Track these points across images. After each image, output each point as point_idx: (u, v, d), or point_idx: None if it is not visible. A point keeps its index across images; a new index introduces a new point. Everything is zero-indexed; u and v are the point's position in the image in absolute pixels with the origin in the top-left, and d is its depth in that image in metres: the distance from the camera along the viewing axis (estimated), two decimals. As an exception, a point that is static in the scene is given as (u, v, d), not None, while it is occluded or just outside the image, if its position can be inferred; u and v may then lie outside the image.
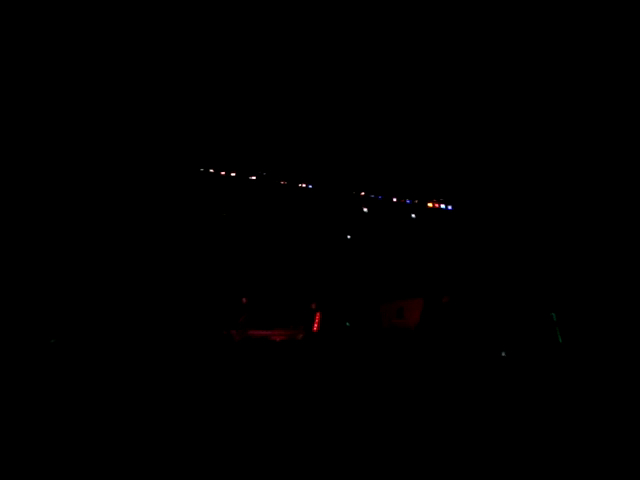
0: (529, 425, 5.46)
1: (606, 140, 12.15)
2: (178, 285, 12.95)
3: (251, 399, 5.77)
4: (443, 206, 16.43)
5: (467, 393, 6.55)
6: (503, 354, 11.38)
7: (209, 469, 4.31)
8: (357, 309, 14.80)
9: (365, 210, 16.27)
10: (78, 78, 9.82)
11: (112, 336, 9.49)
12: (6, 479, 3.80)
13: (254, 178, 14.93)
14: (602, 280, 12.49)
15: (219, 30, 10.27)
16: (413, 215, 16.44)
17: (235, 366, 7.44)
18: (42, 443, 4.34)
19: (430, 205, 16.48)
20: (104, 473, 4.12)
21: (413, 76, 12.19)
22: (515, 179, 14.47)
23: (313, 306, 14.93)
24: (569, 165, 13.19)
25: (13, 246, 9.45)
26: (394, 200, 16.43)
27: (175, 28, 9.67)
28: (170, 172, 12.91)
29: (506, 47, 11.06)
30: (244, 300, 14.81)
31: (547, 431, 5.25)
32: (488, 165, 14.59)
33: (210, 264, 14.51)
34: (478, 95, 12.44)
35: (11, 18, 8.19)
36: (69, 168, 10.58)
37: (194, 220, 14.63)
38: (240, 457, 4.43)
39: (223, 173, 14.90)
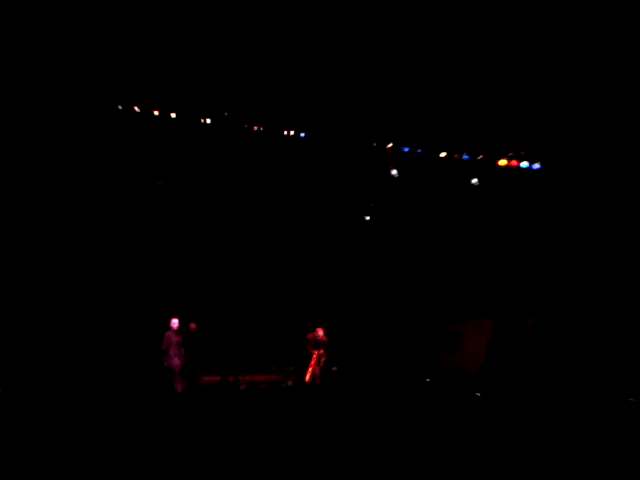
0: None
1: None
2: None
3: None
4: (525, 164, 12.97)
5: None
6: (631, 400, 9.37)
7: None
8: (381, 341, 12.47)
9: (394, 173, 12.82)
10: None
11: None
12: None
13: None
14: None
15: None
16: (474, 180, 13.03)
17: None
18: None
19: (503, 163, 12.96)
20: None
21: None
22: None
23: (310, 336, 12.59)
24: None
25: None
26: (441, 155, 12.79)
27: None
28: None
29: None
30: (193, 326, 12.68)
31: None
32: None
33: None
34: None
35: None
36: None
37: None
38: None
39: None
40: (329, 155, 12.87)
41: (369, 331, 13.60)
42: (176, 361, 12.05)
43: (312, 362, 12.37)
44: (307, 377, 12.27)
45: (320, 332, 12.42)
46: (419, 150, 12.86)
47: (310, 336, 12.64)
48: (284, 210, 14.51)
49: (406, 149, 12.82)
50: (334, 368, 12.73)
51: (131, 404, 9.33)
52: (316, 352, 12.30)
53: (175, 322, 12.38)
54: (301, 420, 7.35)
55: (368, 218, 14.29)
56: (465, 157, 12.99)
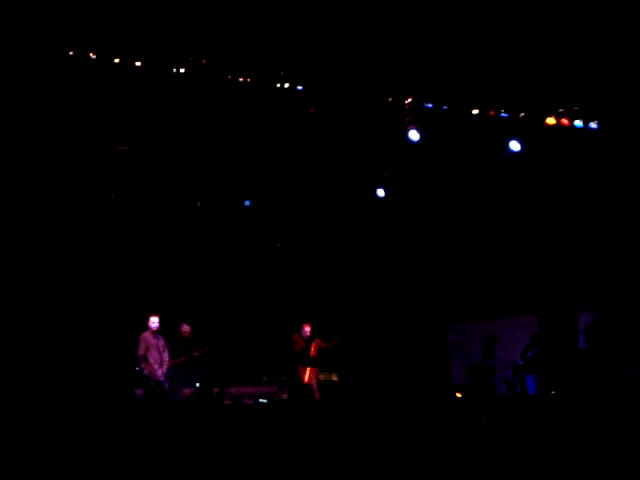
0: None
1: None
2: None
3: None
4: (578, 123, 12.27)
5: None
6: None
7: None
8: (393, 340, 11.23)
9: (414, 135, 11.91)
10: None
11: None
12: None
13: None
14: None
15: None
16: (514, 146, 12.11)
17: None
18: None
19: (551, 122, 12.24)
20: None
21: None
22: None
23: (296, 337, 11.78)
24: None
25: None
26: (473, 113, 11.96)
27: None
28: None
29: None
30: (185, 329, 11.74)
31: None
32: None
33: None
34: None
35: None
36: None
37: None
38: None
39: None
40: (333, 114, 11.84)
41: (378, 332, 12.16)
42: (156, 369, 10.83)
43: (307, 370, 11.24)
44: (305, 377, 11.15)
45: (307, 329, 11.35)
46: (445, 107, 11.95)
47: (296, 337, 11.45)
48: (277, 184, 13.38)
49: (429, 105, 11.96)
50: (334, 377, 11.65)
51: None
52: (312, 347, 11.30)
53: (155, 321, 11.08)
54: (303, 451, 6.28)
55: (382, 193, 13.14)
56: (503, 114, 12.00)
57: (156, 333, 11.11)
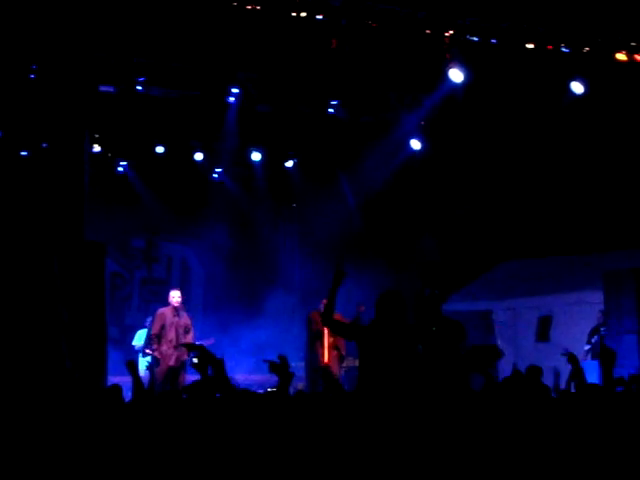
0: None
1: None
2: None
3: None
4: None
5: None
6: None
7: None
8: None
9: (456, 74, 10.85)
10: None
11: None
12: None
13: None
14: None
15: None
16: (577, 87, 11.18)
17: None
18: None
19: (622, 57, 10.98)
20: None
21: None
22: None
23: (315, 316, 10.68)
24: None
25: None
26: (528, 47, 10.83)
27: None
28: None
29: None
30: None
31: None
32: None
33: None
34: None
35: None
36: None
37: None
38: None
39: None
40: (358, 48, 10.85)
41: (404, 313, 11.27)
42: (170, 353, 10.06)
43: (325, 353, 10.65)
44: (325, 358, 10.59)
45: None
46: (494, 40, 10.86)
47: (315, 314, 10.66)
48: (288, 128, 13.14)
49: (475, 38, 10.88)
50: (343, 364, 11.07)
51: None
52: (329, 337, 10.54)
53: (175, 296, 10.37)
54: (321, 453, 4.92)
55: (417, 145, 12.41)
56: (564, 49, 10.89)
57: (178, 310, 10.35)
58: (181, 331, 10.38)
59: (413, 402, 6.13)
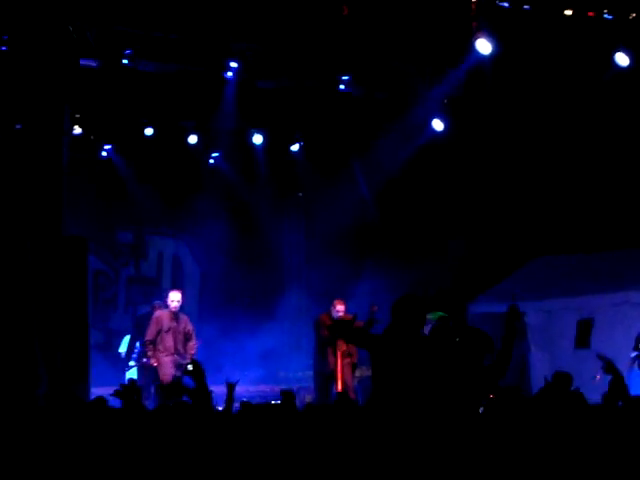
0: None
1: None
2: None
3: None
4: None
5: None
6: None
7: None
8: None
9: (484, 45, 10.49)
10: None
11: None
12: None
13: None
14: None
15: None
16: (621, 59, 10.49)
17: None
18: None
19: None
20: None
21: None
22: None
23: (324, 318, 9.98)
24: None
25: None
26: (566, 13, 10.14)
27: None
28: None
29: None
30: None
31: None
32: None
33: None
34: None
35: None
36: None
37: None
38: None
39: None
40: (372, 15, 10.39)
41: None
42: (167, 362, 9.63)
43: (338, 361, 9.73)
44: (339, 385, 9.78)
45: (340, 307, 9.76)
46: (526, 6, 10.26)
47: (324, 318, 9.87)
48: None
49: (505, 4, 10.28)
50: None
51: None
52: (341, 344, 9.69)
53: (174, 299, 9.84)
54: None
55: (440, 126, 11.65)
56: (607, 16, 10.33)
57: (177, 315, 9.94)
58: (180, 338, 9.98)
59: (427, 421, 5.43)
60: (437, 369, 6.24)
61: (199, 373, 5.08)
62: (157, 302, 11.27)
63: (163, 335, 9.98)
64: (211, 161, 14.03)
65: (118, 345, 11.61)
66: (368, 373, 10.80)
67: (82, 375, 8.90)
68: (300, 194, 15.41)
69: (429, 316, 6.69)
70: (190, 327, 10.21)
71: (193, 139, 12.82)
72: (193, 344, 10.13)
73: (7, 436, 4.91)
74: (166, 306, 10.16)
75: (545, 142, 12.53)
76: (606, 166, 12.33)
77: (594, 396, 7.88)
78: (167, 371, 9.87)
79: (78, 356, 8.97)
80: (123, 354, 11.14)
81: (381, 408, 6.18)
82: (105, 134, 13.03)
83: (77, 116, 11.66)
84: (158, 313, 10.26)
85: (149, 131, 12.36)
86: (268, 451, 5.34)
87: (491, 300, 12.04)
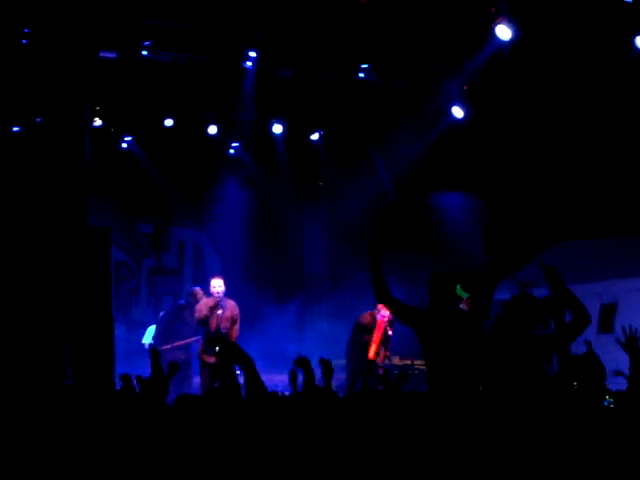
0: None
1: None
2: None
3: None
4: None
5: None
6: None
7: None
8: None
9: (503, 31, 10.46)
10: None
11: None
12: None
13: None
14: None
15: None
16: None
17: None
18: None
19: None
20: None
21: None
22: None
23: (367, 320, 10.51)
24: None
25: None
26: None
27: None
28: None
29: None
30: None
31: None
32: None
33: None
34: None
35: None
36: None
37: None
38: None
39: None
40: (391, 4, 10.21)
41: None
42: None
43: (377, 335, 10.00)
44: (371, 352, 10.10)
45: (385, 312, 9.98)
46: None
47: (367, 320, 10.34)
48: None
49: None
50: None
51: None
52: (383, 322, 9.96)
53: (216, 285, 9.90)
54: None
55: (459, 113, 11.56)
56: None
57: (220, 301, 9.84)
58: (226, 324, 9.89)
59: (480, 400, 5.52)
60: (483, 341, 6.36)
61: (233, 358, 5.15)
62: (198, 288, 11.16)
63: (207, 321, 10.07)
64: (231, 151, 13.91)
65: (141, 336, 11.56)
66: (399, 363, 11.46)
67: (107, 366, 8.83)
68: (320, 183, 15.26)
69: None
70: (236, 311, 10.09)
71: (213, 129, 12.89)
72: (237, 327, 10.08)
73: (35, 423, 5.26)
74: (210, 294, 10.10)
75: (565, 127, 12.19)
76: (626, 151, 11.99)
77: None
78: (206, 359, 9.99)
79: (103, 347, 8.94)
80: (147, 345, 11.09)
81: (436, 391, 6.23)
82: (125, 126, 13.01)
83: (97, 108, 11.67)
84: (202, 302, 10.09)
85: (169, 122, 12.33)
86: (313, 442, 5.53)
87: (513, 287, 12.14)
